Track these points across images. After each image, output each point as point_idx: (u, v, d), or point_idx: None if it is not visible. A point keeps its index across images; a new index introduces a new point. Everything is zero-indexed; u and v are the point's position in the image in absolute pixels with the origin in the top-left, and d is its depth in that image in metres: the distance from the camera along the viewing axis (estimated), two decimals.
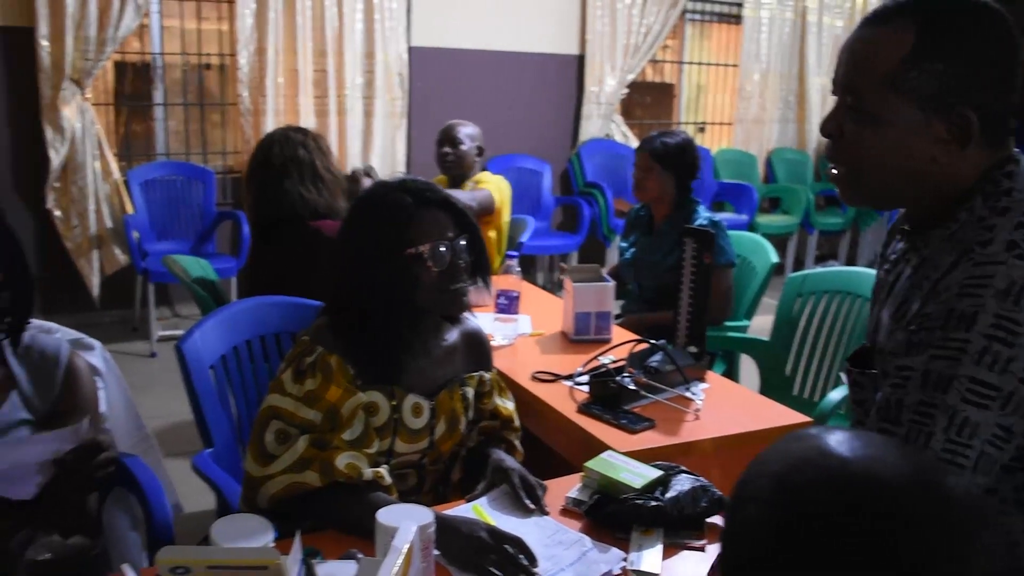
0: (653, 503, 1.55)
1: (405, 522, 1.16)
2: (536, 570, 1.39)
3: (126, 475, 1.89)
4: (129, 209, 4.97)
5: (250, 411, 2.17)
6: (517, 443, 1.86)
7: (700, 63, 7.06)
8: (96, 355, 1.99)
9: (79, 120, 4.79)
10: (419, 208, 1.63)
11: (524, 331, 2.69)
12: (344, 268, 1.67)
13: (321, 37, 5.28)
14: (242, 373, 2.17)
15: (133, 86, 5.44)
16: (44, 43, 4.65)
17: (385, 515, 1.29)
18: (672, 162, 3.08)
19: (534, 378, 2.30)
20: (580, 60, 6.22)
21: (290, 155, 2.60)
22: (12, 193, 4.80)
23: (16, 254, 1.60)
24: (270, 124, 5.20)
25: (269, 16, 5.12)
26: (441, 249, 1.63)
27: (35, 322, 1.96)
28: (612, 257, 6.00)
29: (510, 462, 1.68)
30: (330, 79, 5.35)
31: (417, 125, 5.65)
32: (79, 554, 1.19)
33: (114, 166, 4.95)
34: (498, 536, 1.40)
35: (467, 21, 5.80)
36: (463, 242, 1.66)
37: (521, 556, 1.39)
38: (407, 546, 1.07)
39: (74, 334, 2.02)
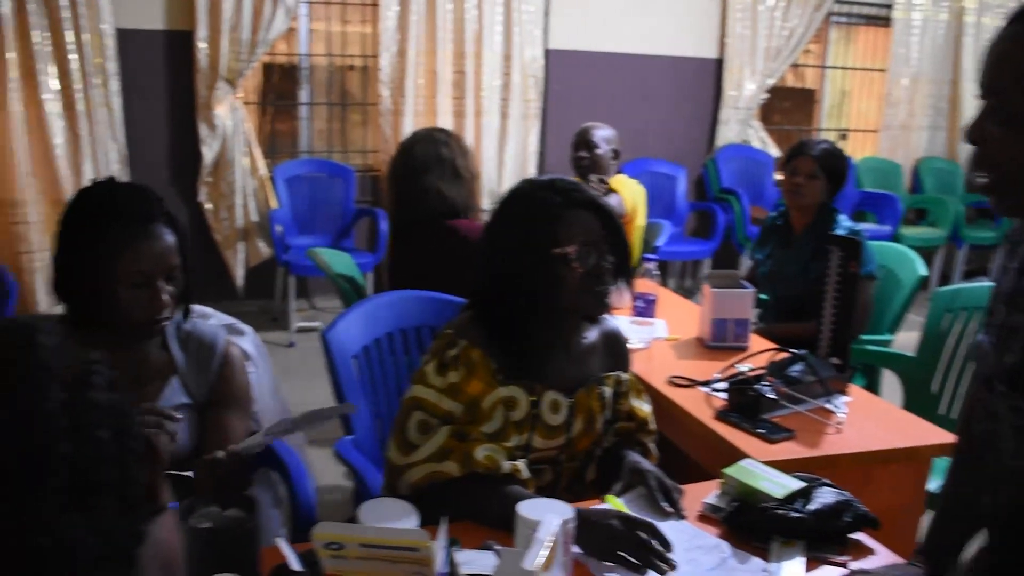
0: (795, 514, 1.51)
1: (548, 515, 1.16)
2: (671, 557, 1.38)
3: (272, 457, 1.97)
4: (273, 204, 5.18)
5: (389, 401, 2.22)
6: (652, 446, 1.84)
7: (844, 67, 6.83)
8: (247, 340, 2.07)
9: (230, 118, 5.02)
10: (567, 208, 1.64)
11: (660, 335, 2.66)
12: (489, 263, 1.70)
13: (461, 39, 5.37)
14: (383, 364, 2.23)
15: (280, 86, 5.67)
16: (202, 45, 4.90)
17: (526, 508, 1.30)
18: (831, 169, 3.00)
19: (670, 382, 2.27)
20: (718, 64, 6.11)
21: (433, 154, 2.67)
22: (168, 187, 5.06)
23: (186, 241, 1.69)
24: (409, 124, 5.32)
25: (411, 19, 5.24)
26: (587, 250, 1.63)
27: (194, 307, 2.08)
28: (747, 265, 5.87)
29: (646, 464, 1.66)
30: (468, 81, 5.43)
31: (551, 128, 5.68)
32: (236, 526, 1.25)
33: (261, 163, 5.17)
34: (630, 522, 1.40)
35: (604, 24, 5.78)
36: (608, 244, 1.66)
37: (654, 541, 1.38)
38: (551, 539, 1.07)
39: (228, 319, 2.10)
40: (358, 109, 5.67)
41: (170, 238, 1.66)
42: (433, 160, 2.66)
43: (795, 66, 6.66)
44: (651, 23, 5.88)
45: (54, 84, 4.64)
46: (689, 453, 2.15)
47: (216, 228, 5.12)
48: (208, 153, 5.00)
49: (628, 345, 1.87)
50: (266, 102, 5.55)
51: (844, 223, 2.98)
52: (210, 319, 2.10)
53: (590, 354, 1.76)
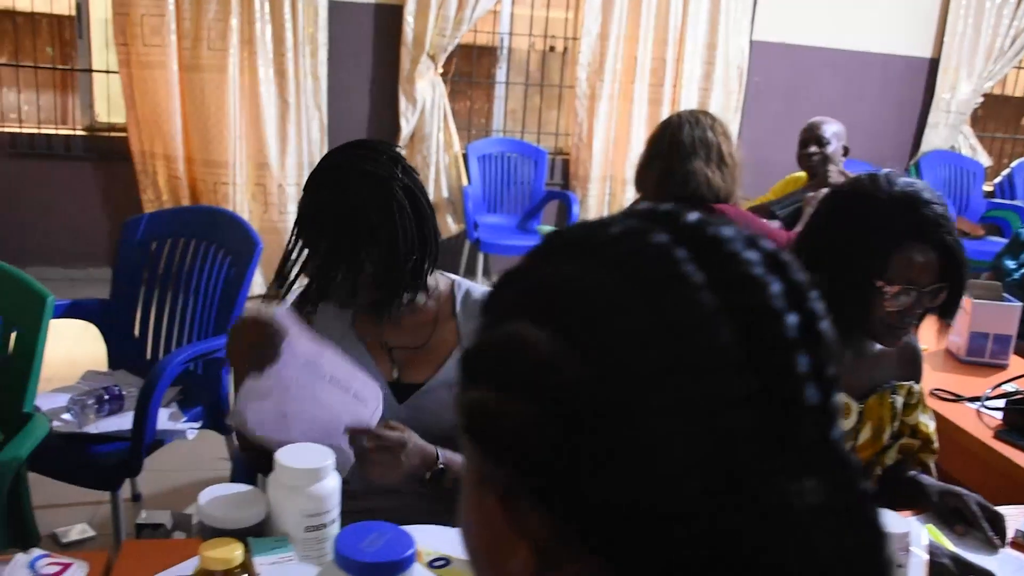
0: None
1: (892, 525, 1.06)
2: None
3: None
4: (465, 181, 5.21)
5: None
6: (932, 466, 1.70)
7: None
8: None
9: (430, 93, 5.07)
10: (910, 239, 1.43)
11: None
12: (801, 254, 1.57)
13: (664, 26, 5.24)
14: None
15: (478, 65, 5.69)
16: (410, 19, 4.96)
17: None
18: None
19: (933, 394, 2.11)
20: (932, 63, 5.76)
21: (700, 136, 2.57)
22: None
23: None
24: (604, 109, 5.25)
25: (615, 2, 5.15)
26: (909, 295, 1.44)
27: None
28: None
29: (959, 488, 1.52)
30: (668, 68, 5.30)
31: (749, 121, 5.49)
32: None
33: (455, 139, 5.21)
34: (966, 566, 1.27)
35: (813, 17, 5.53)
36: (936, 291, 1.47)
37: None
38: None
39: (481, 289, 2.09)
40: (554, 91, 5.63)
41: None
42: (700, 143, 2.57)
43: (1018, 68, 6.20)
44: (863, 18, 5.59)
45: (268, 52, 4.80)
46: (953, 472, 1.98)
47: None
48: (406, 126, 5.06)
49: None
50: (463, 80, 5.57)
51: None
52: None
53: (882, 360, 1.63)
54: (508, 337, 0.50)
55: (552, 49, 5.62)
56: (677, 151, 2.56)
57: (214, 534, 1.17)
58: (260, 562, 1.14)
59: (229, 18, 4.66)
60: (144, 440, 2.21)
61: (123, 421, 2.31)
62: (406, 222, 1.48)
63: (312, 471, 1.19)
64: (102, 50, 5.28)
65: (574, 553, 0.49)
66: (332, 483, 1.21)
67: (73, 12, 5.03)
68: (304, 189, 1.53)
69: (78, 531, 2.68)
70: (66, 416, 2.24)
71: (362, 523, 1.04)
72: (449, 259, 5.31)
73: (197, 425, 2.44)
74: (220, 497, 1.20)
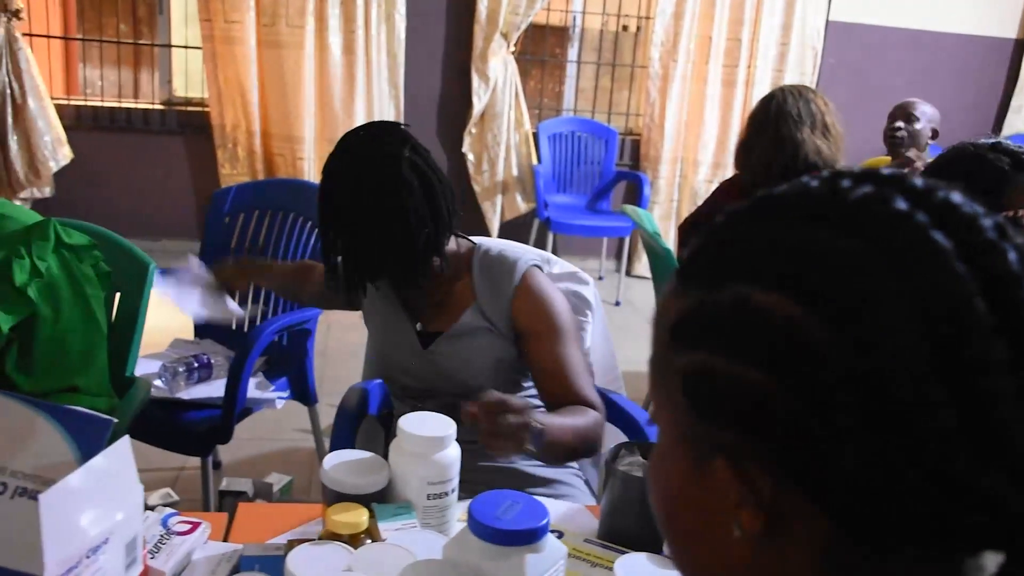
0: None
1: None
2: None
3: (609, 408, 1.94)
4: (535, 160, 5.20)
5: None
6: None
7: None
8: (589, 290, 2.04)
9: (502, 71, 5.06)
10: (1018, 172, 1.52)
11: None
12: None
13: (740, 5, 5.16)
14: None
15: (549, 44, 5.66)
16: None
17: None
18: None
19: None
20: (1017, 44, 5.59)
21: (805, 107, 2.58)
22: (435, 135, 5.18)
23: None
24: (676, 89, 5.19)
25: None
26: None
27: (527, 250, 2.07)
28: None
29: None
30: (742, 49, 5.22)
31: None
32: None
33: (526, 117, 5.19)
34: None
35: None
36: None
37: None
38: None
39: (570, 267, 2.08)
40: (626, 71, 5.59)
41: None
42: (806, 113, 2.58)
43: None
44: None
45: (343, 29, 4.83)
46: None
47: (476, 179, 5.20)
48: (478, 104, 5.06)
49: None
50: (535, 59, 5.55)
51: None
52: (553, 266, 2.08)
53: None
54: (736, 301, 0.50)
55: (625, 28, 5.57)
56: (786, 121, 2.60)
57: (337, 498, 1.19)
58: (384, 528, 1.15)
59: None
60: (235, 408, 2.26)
61: (212, 389, 2.35)
62: (416, 199, 1.56)
63: (435, 439, 1.20)
64: (179, 26, 5.36)
65: (802, 515, 0.48)
66: (454, 452, 1.22)
67: None
68: (321, 174, 1.62)
69: (160, 496, 2.74)
70: (157, 382, 2.29)
71: (493, 491, 1.05)
72: (517, 238, 5.28)
73: (285, 395, 2.48)
74: (344, 463, 1.21)
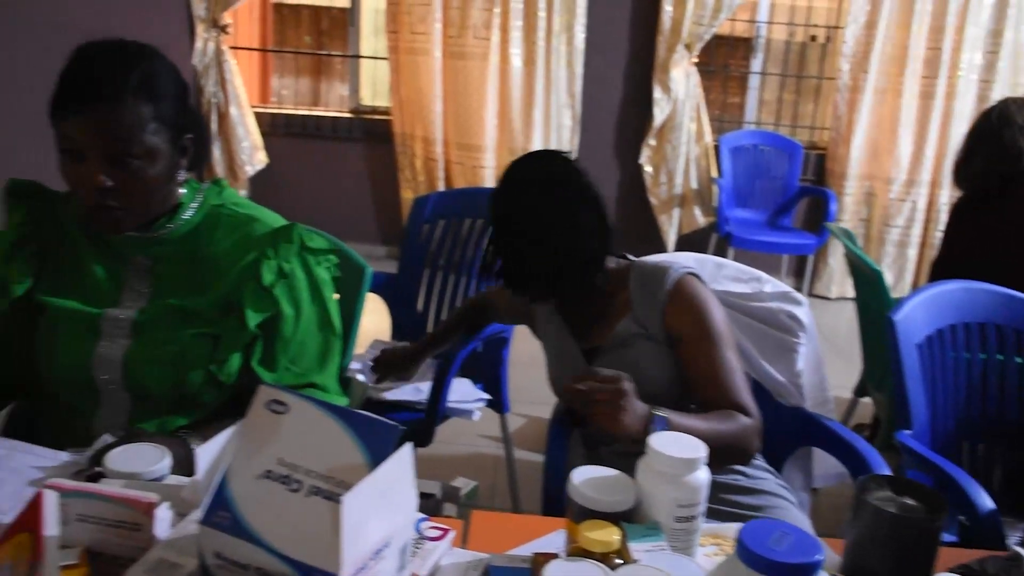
0: None
1: None
2: None
3: (821, 433, 1.86)
4: (715, 173, 5.09)
5: (946, 397, 2.01)
6: None
7: None
8: (803, 311, 1.97)
9: (684, 83, 4.99)
10: None
11: None
12: None
13: (941, 11, 4.88)
14: (943, 357, 2.02)
15: (729, 54, 5.55)
16: (668, 8, 4.89)
17: None
18: None
19: None
20: None
21: None
22: (612, 146, 5.16)
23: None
24: (867, 102, 4.97)
25: None
26: None
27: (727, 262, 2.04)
28: None
29: None
30: (943, 58, 4.93)
31: None
32: (924, 523, 1.14)
33: (707, 130, 5.10)
34: None
35: None
36: None
37: None
38: None
39: (783, 287, 2.01)
40: (812, 83, 5.40)
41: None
42: None
43: None
44: None
45: (524, 41, 4.88)
46: None
47: (653, 192, 5.14)
48: (658, 115, 5.01)
49: None
50: (717, 70, 5.45)
51: None
52: (765, 285, 2.01)
53: None
54: None
55: (813, 39, 5.39)
56: (1010, 127, 2.56)
57: (585, 514, 1.17)
58: (634, 548, 1.13)
59: (493, 7, 4.78)
60: (439, 412, 2.29)
61: (411, 391, 2.39)
62: (588, 214, 1.68)
63: (687, 460, 1.16)
64: (368, 38, 5.56)
65: None
66: (704, 474, 1.19)
67: (347, 3, 5.32)
68: (490, 200, 1.70)
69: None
70: (365, 379, 2.35)
71: (762, 520, 1.01)
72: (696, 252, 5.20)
73: (482, 404, 2.49)
74: (593, 479, 1.20)
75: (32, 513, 1.04)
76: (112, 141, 1.34)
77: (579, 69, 4.98)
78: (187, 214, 1.51)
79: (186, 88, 1.47)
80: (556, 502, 1.74)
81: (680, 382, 1.70)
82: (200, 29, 4.93)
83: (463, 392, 2.47)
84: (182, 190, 1.50)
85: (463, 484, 2.89)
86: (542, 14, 4.84)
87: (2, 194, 1.52)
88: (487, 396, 2.51)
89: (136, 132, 1.35)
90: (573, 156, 1.75)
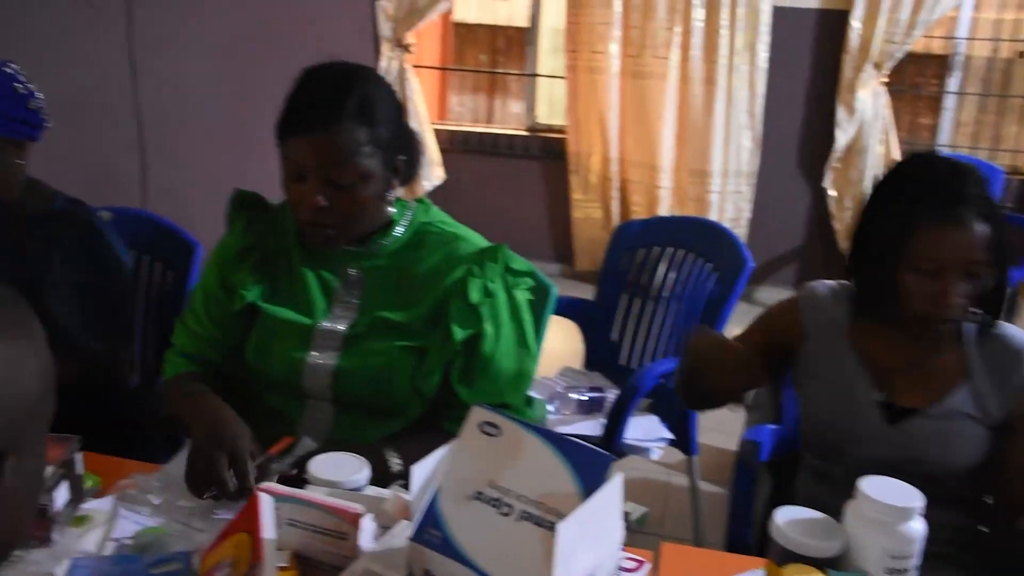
0: None
1: None
2: None
3: None
4: None
5: None
6: None
7: None
8: None
9: (871, 103, 4.77)
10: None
11: None
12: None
13: None
14: None
15: (920, 72, 5.27)
16: (856, 24, 4.69)
17: None
18: None
19: None
20: None
21: None
22: (795, 168, 4.99)
23: (1003, 237, 1.47)
24: None
25: None
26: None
27: None
28: None
29: None
30: None
31: None
32: None
33: (896, 153, 4.85)
34: None
35: None
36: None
37: None
38: None
39: None
40: (1016, 104, 5.06)
41: (982, 229, 1.42)
42: None
43: None
44: None
45: (703, 60, 4.81)
46: None
47: (837, 216, 4.94)
48: (842, 138, 4.80)
49: None
50: (907, 90, 5.19)
51: None
52: None
53: None
54: None
55: (1022, 55, 5.04)
56: None
57: (788, 557, 1.12)
58: None
59: (674, 27, 4.73)
60: (611, 448, 2.23)
61: (590, 426, 2.33)
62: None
63: (901, 509, 1.10)
64: (546, 57, 5.62)
65: None
66: (919, 525, 1.12)
67: (526, 23, 5.41)
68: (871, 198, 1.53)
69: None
70: (549, 407, 2.35)
71: None
72: None
73: (664, 444, 2.39)
74: (798, 521, 1.15)
75: (250, 514, 1.10)
76: (328, 164, 1.41)
77: (761, 88, 4.85)
78: (397, 231, 1.57)
79: (401, 110, 1.53)
80: (741, 538, 1.69)
81: (983, 454, 1.51)
82: (385, 48, 5.11)
83: (645, 429, 2.38)
84: (392, 208, 1.56)
85: (633, 509, 2.86)
86: (724, 31, 4.75)
87: (228, 204, 1.63)
88: (670, 436, 2.40)
89: (351, 155, 1.42)
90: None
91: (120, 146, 3.17)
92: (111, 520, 1.28)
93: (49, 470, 1.20)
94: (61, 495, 1.24)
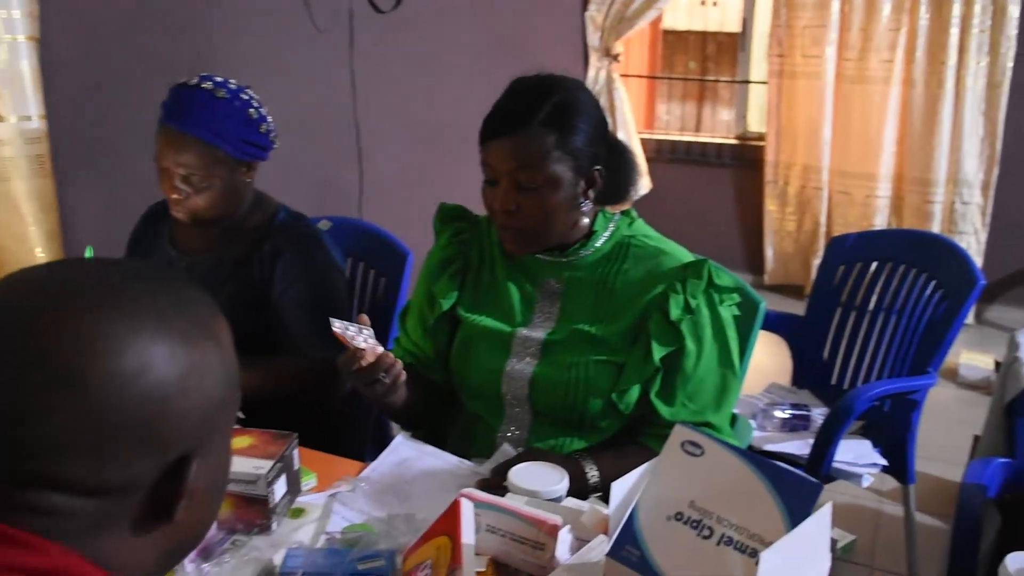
0: None
1: None
2: None
3: None
4: None
5: None
6: None
7: None
8: None
9: None
10: None
11: None
12: None
13: None
14: None
15: None
16: None
17: None
18: None
19: None
20: None
21: None
22: None
23: None
24: None
25: None
26: None
27: None
28: None
29: None
30: None
31: None
32: None
33: None
34: None
35: None
36: None
37: None
38: None
39: None
40: None
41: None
42: None
43: None
44: None
45: (923, 59, 4.49)
46: None
47: None
48: None
49: None
50: None
51: None
52: None
53: None
54: None
55: None
56: None
57: None
58: None
59: (901, 28, 4.46)
60: (820, 472, 2.11)
61: (799, 445, 2.22)
62: None
63: None
64: (757, 63, 5.46)
65: None
66: None
67: (738, 28, 5.28)
68: None
69: None
70: (751, 423, 2.27)
71: None
72: None
73: (876, 470, 2.25)
74: None
75: (451, 519, 1.12)
76: (517, 167, 1.44)
77: (1005, 88, 4.41)
78: (599, 242, 1.56)
79: (603, 122, 1.52)
80: None
81: None
82: (593, 58, 5.13)
83: (857, 453, 2.23)
84: (586, 219, 1.56)
85: (839, 536, 2.69)
86: (954, 30, 4.40)
87: (435, 217, 1.69)
88: (883, 462, 2.25)
89: (539, 159, 1.44)
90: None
91: (341, 159, 3.37)
92: (325, 514, 1.35)
93: (269, 464, 1.29)
94: (280, 488, 1.31)
